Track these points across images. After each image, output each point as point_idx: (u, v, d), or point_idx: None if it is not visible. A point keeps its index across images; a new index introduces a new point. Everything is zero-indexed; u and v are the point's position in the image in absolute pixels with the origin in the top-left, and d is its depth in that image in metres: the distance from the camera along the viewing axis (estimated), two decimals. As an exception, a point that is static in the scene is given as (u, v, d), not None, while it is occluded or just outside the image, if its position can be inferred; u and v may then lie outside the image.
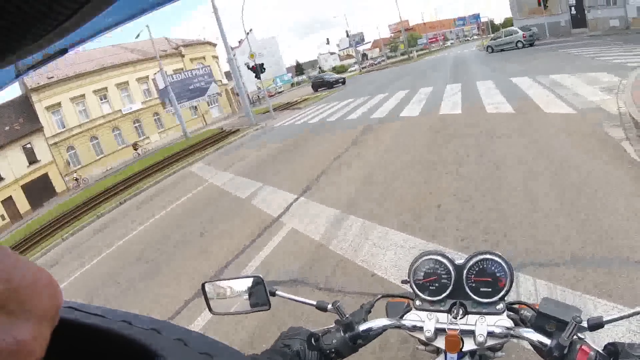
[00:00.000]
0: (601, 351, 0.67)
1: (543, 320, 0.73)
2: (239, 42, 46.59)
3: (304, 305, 0.93)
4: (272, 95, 42.88)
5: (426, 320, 0.81)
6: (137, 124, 31.94)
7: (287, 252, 4.08)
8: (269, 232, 4.72)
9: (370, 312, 0.93)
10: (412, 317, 0.84)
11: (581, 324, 0.69)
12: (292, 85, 63.01)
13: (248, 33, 26.74)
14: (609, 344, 0.68)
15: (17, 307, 0.19)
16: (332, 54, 78.99)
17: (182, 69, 31.63)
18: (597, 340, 0.72)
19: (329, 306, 0.89)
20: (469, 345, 0.78)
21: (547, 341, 0.71)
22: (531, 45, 22.29)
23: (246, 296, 0.94)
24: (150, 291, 4.44)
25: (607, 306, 2.12)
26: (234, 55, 20.67)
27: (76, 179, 26.89)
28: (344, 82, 31.24)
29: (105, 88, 29.98)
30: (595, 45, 16.94)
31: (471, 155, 5.26)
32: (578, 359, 0.67)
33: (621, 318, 0.71)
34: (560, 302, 0.75)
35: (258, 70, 18.09)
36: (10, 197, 25.11)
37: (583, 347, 0.68)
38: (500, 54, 22.18)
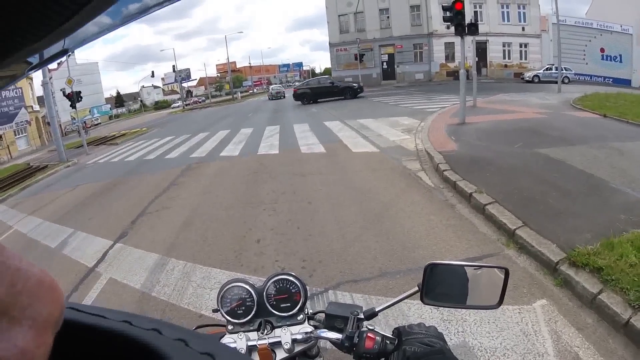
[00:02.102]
0: (389, 335, 0.81)
1: (332, 320, 0.87)
2: (58, 64, 39.30)
3: None
4: (88, 127, 37.12)
5: (237, 341, 0.86)
6: None
7: (108, 305, 3.51)
8: (86, 285, 3.99)
9: None
10: (227, 341, 0.88)
11: (359, 316, 0.84)
12: (111, 117, 56.10)
13: (69, 55, 22.98)
14: (395, 328, 0.82)
15: (20, 313, 0.17)
16: (155, 87, 74.22)
17: (-14, 89, 24.66)
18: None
19: None
20: (280, 354, 0.85)
21: (338, 336, 0.82)
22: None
23: None
24: None
25: (419, 304, 2.52)
26: (51, 78, 17.34)
27: None
28: (356, 93, 22.09)
29: None
30: (401, 94, 20.72)
31: (286, 193, 5.67)
32: (366, 345, 0.79)
33: (389, 306, 0.90)
34: (343, 304, 0.91)
35: (75, 98, 15.63)
36: None
37: (369, 334, 0.81)
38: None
